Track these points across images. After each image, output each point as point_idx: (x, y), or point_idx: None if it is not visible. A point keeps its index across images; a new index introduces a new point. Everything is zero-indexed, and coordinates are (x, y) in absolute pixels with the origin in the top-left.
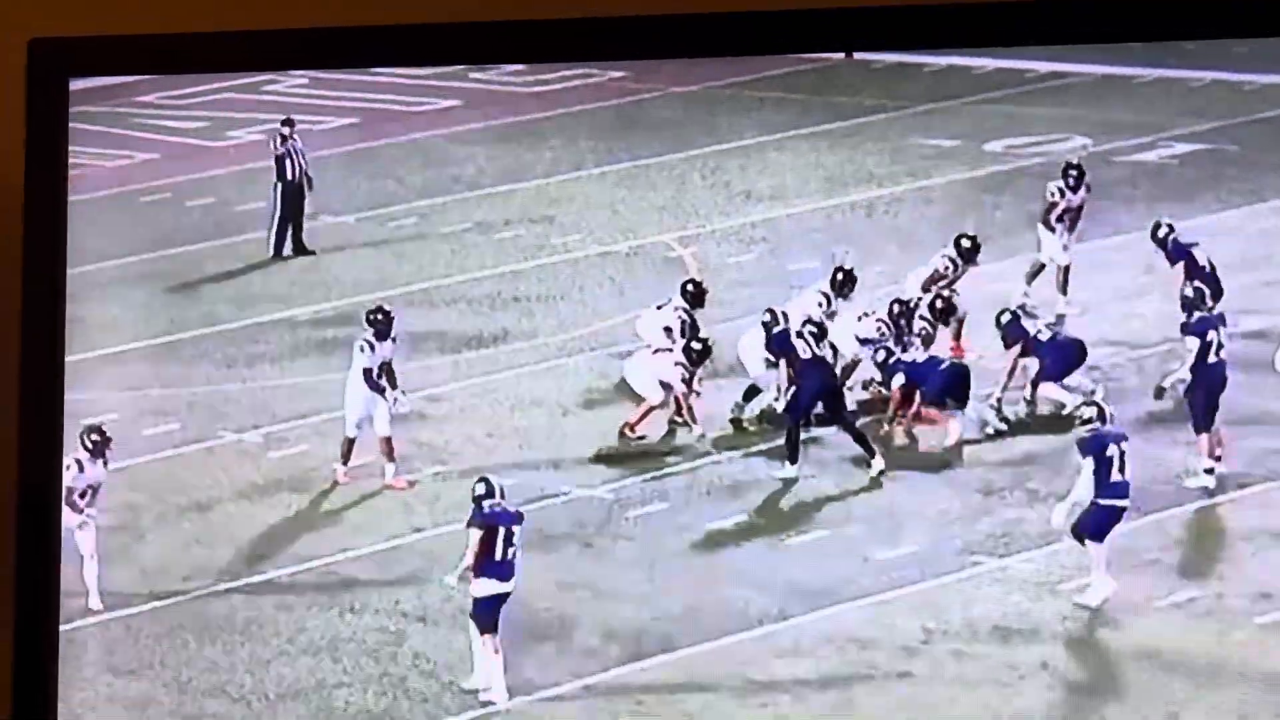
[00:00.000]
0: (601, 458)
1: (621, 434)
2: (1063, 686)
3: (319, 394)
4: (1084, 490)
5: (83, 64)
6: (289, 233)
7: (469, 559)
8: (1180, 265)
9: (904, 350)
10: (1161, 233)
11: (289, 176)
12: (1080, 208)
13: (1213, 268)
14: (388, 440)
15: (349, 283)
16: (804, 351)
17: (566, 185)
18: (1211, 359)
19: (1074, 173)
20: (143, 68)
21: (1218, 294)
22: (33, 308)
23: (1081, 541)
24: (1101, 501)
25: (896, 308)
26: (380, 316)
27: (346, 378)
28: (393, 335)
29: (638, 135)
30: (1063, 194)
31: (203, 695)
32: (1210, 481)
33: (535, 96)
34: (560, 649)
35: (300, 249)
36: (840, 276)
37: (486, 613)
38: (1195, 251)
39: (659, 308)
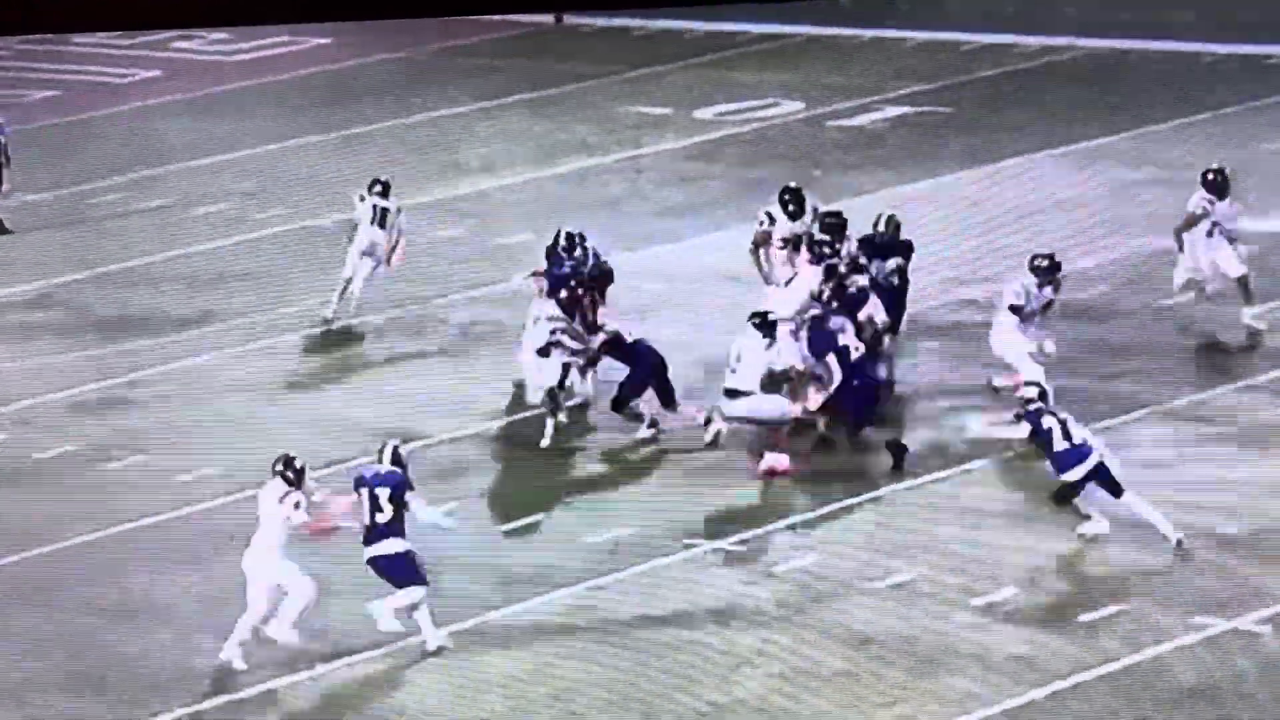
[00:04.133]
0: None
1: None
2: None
3: (16, 381)
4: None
5: None
6: None
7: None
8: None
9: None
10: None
11: None
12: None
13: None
14: None
15: (47, 263)
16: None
17: (271, 157)
18: None
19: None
20: None
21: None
22: None
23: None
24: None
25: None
26: None
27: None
28: None
29: (344, 104)
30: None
31: None
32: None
33: (239, 65)
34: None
35: None
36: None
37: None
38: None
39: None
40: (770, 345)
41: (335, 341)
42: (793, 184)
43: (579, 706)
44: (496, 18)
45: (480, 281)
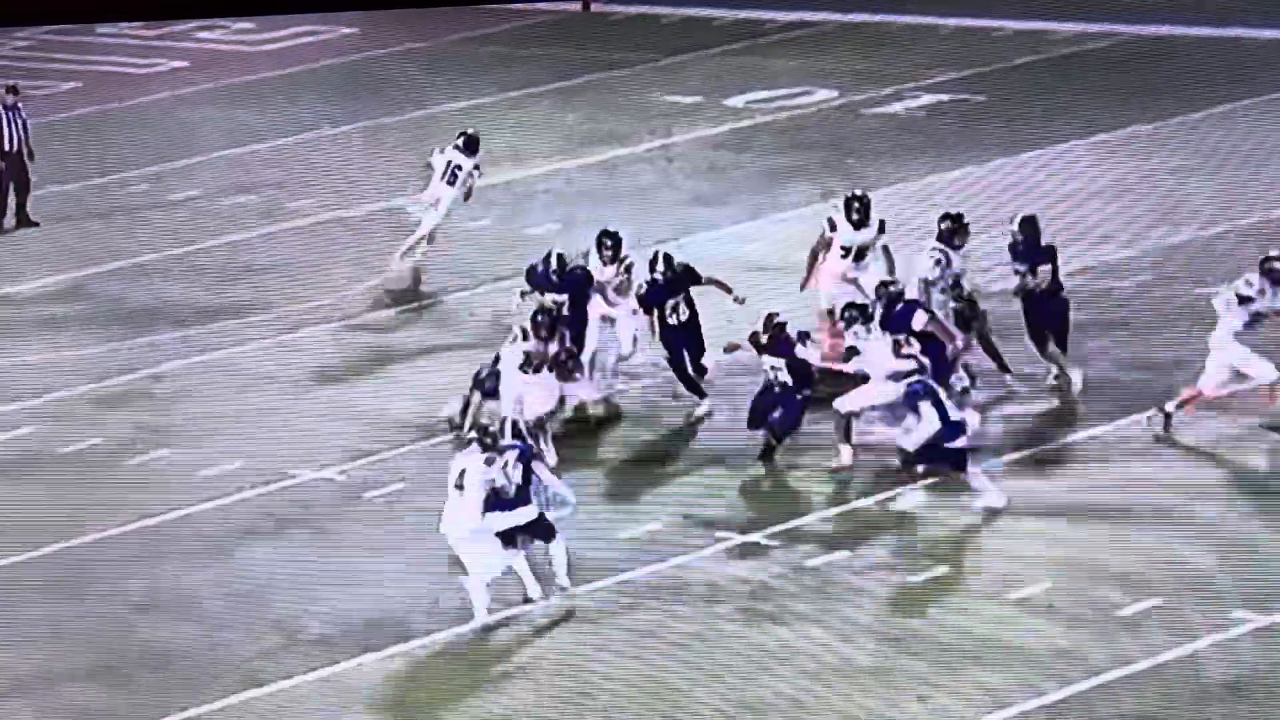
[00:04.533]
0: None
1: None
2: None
3: (43, 373)
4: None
5: None
6: (9, 204)
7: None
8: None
9: None
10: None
11: (8, 147)
12: None
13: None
14: None
15: (74, 255)
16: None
17: (299, 147)
18: None
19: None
20: None
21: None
22: None
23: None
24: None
25: None
26: None
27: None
28: None
29: (371, 94)
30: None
31: None
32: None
33: (265, 55)
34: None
35: (24, 221)
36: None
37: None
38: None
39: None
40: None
41: (364, 333)
42: (859, 191)
43: (605, 700)
44: (523, 5)
45: (509, 272)
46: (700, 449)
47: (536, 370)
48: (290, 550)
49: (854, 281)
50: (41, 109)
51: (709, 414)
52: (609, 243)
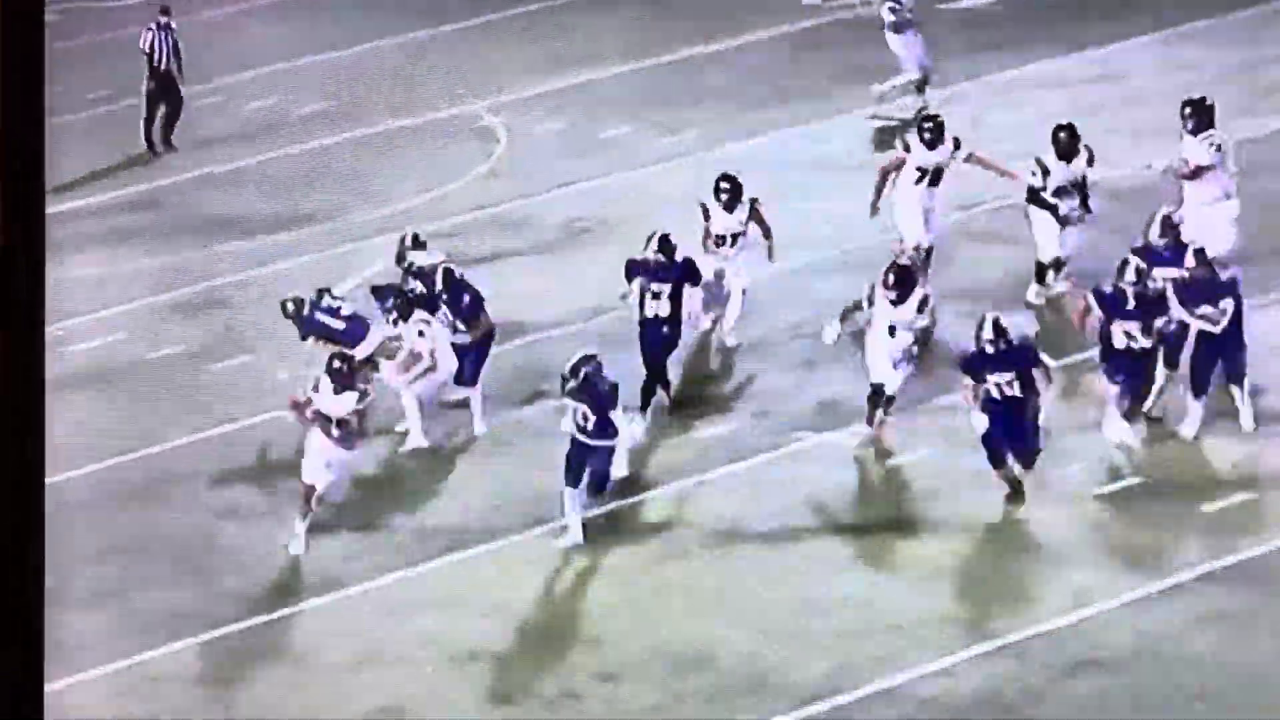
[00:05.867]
0: None
1: None
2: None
3: (118, 284)
4: None
5: None
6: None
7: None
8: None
9: None
10: None
11: (158, 63)
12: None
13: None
14: None
15: (146, 166)
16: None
17: (365, 57)
18: None
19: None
20: None
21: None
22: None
23: None
24: None
25: None
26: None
27: None
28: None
29: (438, 2)
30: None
31: None
32: None
33: None
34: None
35: (167, 142)
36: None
37: None
38: None
39: None
40: None
41: (435, 240)
42: (933, 111)
43: (681, 602)
44: None
45: (582, 176)
46: (775, 347)
47: None
48: (369, 452)
49: (926, 216)
50: (115, 21)
51: (638, 440)
52: (727, 186)
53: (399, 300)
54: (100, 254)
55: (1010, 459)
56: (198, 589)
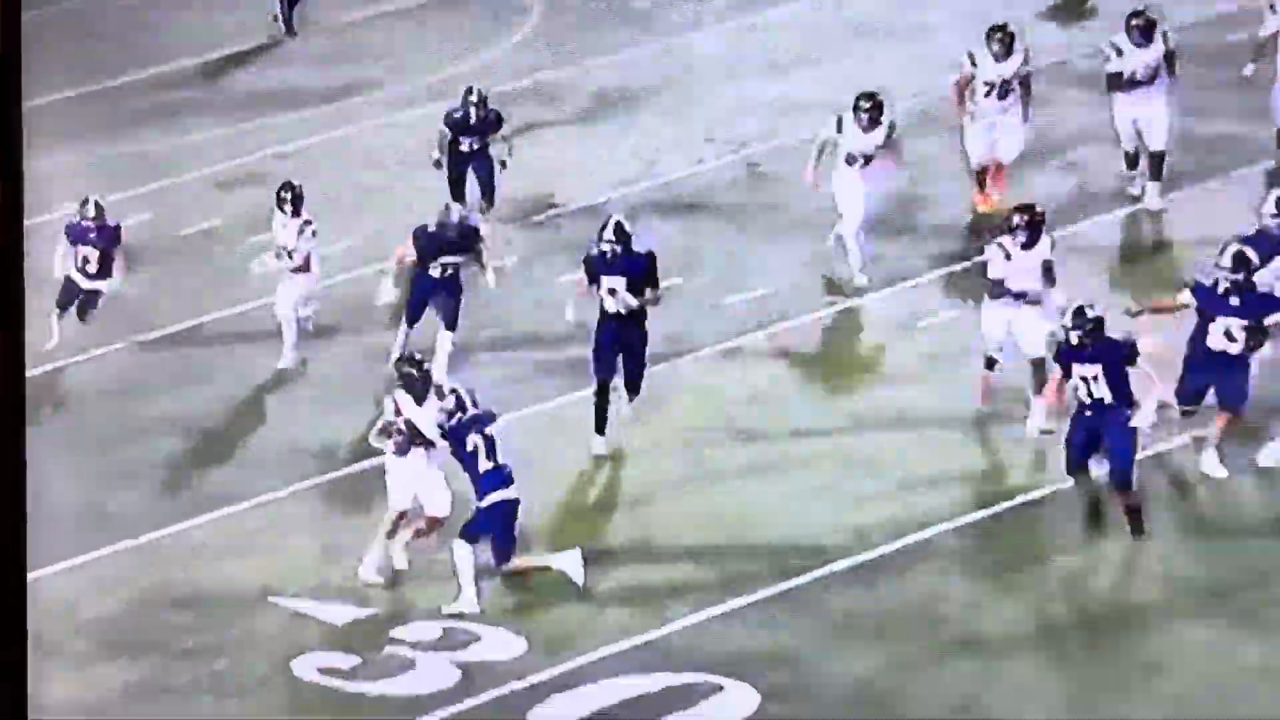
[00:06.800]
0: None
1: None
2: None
3: (160, 159)
4: None
5: None
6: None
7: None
8: None
9: None
10: None
11: None
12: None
13: None
14: None
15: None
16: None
17: None
18: None
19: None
20: None
21: None
22: None
23: None
24: None
25: None
26: None
27: None
28: None
29: None
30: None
31: None
32: None
33: None
34: None
35: (289, 26)
36: None
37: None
38: None
39: None
40: None
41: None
42: (1002, 21)
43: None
44: None
45: (614, 46)
46: (806, 218)
47: None
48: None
49: (994, 142)
50: None
51: (605, 455)
52: (866, 104)
53: None
54: (142, 131)
55: (1100, 475)
56: (233, 465)
